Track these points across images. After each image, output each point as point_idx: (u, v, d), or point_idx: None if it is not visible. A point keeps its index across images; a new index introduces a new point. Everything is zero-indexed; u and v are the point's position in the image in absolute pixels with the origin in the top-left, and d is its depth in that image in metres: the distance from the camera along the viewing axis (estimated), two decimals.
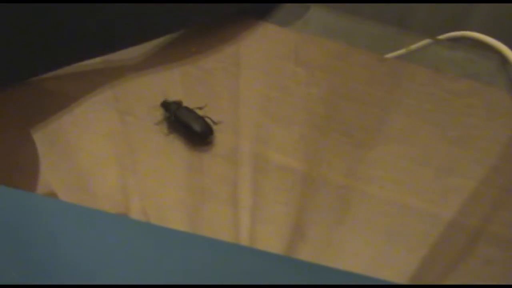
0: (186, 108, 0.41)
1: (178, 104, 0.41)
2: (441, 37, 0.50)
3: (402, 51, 0.48)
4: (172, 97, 0.42)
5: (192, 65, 0.45)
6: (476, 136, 0.43)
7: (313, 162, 0.40)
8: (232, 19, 0.47)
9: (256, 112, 0.43)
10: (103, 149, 0.40)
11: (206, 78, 0.44)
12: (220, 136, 0.41)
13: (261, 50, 0.46)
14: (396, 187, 0.39)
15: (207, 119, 0.41)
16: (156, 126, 0.41)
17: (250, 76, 0.45)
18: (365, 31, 0.50)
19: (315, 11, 0.50)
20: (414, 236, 0.37)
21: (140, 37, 0.44)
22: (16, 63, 0.41)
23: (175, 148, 0.40)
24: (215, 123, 0.41)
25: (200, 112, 0.41)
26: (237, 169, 0.40)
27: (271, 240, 0.37)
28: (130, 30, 0.43)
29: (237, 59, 0.45)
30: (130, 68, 0.44)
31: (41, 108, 0.41)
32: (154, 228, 0.36)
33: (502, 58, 0.47)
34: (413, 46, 0.48)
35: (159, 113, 0.41)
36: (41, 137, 0.40)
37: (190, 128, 0.41)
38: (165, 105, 0.41)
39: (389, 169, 0.40)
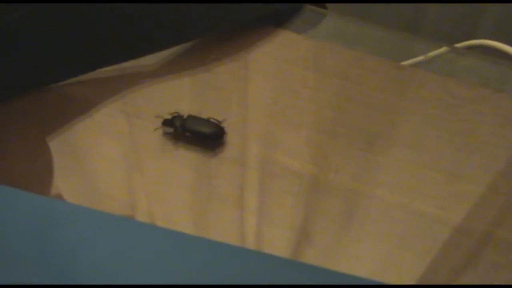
0: (189, 116, 0.42)
1: (180, 116, 0.41)
2: (458, 45, 0.50)
3: (419, 59, 0.48)
4: (181, 103, 0.43)
5: (203, 70, 0.45)
6: (484, 142, 0.42)
7: (320, 165, 0.40)
8: (251, 27, 0.48)
9: (264, 115, 0.43)
10: (112, 150, 0.41)
11: (215, 82, 0.45)
12: (228, 139, 0.41)
13: (270, 54, 0.46)
14: (404, 191, 0.39)
15: (212, 120, 0.42)
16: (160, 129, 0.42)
17: (259, 80, 0.45)
18: (381, 37, 0.50)
19: (331, 18, 0.50)
20: (421, 241, 0.37)
21: (159, 44, 0.45)
22: (38, 69, 0.42)
23: (183, 151, 0.41)
24: (220, 122, 0.42)
25: (204, 116, 0.42)
26: (244, 172, 0.40)
27: (277, 243, 0.37)
28: (150, 38, 0.44)
29: (245, 63, 0.46)
30: (147, 74, 0.45)
31: (59, 112, 0.42)
32: (160, 231, 0.36)
33: None
34: (431, 54, 0.48)
35: (165, 129, 0.42)
36: (56, 141, 0.41)
37: (201, 134, 0.41)
38: (168, 122, 0.41)
39: (397, 174, 0.40)
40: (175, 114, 0.41)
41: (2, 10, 0.41)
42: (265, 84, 0.45)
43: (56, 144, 0.41)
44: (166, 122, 0.41)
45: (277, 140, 0.42)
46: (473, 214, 0.39)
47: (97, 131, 0.41)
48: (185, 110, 0.42)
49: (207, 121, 0.41)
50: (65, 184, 0.39)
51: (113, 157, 0.40)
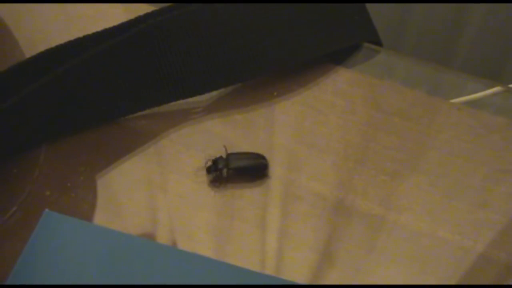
0: (231, 154, 0.42)
1: (221, 158, 0.42)
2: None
3: (472, 97, 0.48)
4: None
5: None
6: (510, 171, 0.42)
7: (346, 190, 0.41)
8: (312, 65, 0.49)
9: (290, 138, 0.44)
10: (135, 168, 0.43)
11: (243, 106, 0.46)
12: None
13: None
14: (428, 218, 0.40)
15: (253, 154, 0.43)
16: (189, 149, 0.43)
17: (286, 104, 0.46)
18: (430, 73, 0.50)
19: (384, 55, 0.51)
20: (444, 268, 0.38)
21: (220, 83, 0.46)
22: (108, 103, 0.45)
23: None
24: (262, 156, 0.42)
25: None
26: (268, 193, 0.41)
27: (298, 265, 0.38)
28: (212, 76, 0.45)
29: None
30: (200, 110, 0.46)
31: (118, 144, 0.45)
32: (180, 254, 0.38)
33: None
34: (485, 93, 0.48)
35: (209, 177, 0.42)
36: (116, 174, 0.43)
37: (251, 168, 0.42)
38: (212, 168, 0.42)
39: (422, 201, 0.41)
40: (217, 157, 0.42)
41: (76, 45, 0.45)
42: (291, 107, 0.46)
43: (113, 175, 0.43)
44: (210, 169, 0.42)
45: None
46: (497, 243, 0.39)
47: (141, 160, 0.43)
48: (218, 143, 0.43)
49: (248, 155, 0.42)
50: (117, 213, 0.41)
51: (133, 172, 0.42)
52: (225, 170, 0.41)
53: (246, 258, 0.38)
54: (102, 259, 0.37)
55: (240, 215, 0.40)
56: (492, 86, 0.48)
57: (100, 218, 0.41)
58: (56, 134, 0.44)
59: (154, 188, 0.42)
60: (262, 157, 0.42)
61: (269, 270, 0.38)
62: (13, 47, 0.49)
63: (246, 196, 0.41)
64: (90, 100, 0.44)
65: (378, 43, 0.51)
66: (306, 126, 0.45)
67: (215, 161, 0.42)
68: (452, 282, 0.37)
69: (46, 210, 0.38)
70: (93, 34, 0.45)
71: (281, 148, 0.44)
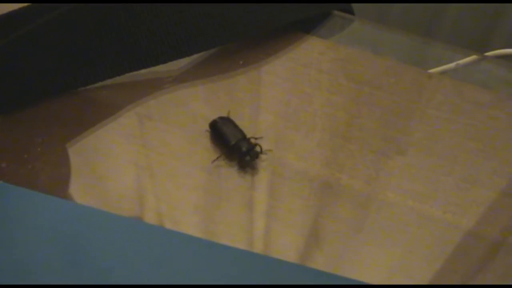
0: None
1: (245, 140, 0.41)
2: (488, 53, 0.49)
3: (448, 66, 0.47)
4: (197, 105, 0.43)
5: (227, 76, 0.46)
6: (498, 147, 0.42)
7: (332, 168, 0.40)
8: (280, 33, 0.48)
9: (276, 117, 0.43)
10: (122, 150, 0.41)
11: (229, 84, 0.45)
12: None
13: (283, 56, 0.47)
14: (416, 196, 0.39)
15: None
16: (176, 130, 0.42)
17: (271, 82, 0.45)
18: (406, 43, 0.50)
19: (359, 25, 0.50)
20: (432, 246, 0.37)
21: (188, 50, 0.45)
22: (66, 73, 0.43)
23: (193, 151, 0.41)
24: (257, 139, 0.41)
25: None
26: (255, 174, 0.40)
27: (286, 246, 0.37)
28: (179, 43, 0.44)
29: (262, 64, 0.46)
30: (169, 79, 0.45)
31: (83, 116, 0.43)
32: (168, 233, 0.37)
33: None
34: (460, 62, 0.48)
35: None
36: (78, 144, 0.42)
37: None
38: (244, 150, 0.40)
39: (409, 179, 0.40)
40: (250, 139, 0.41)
41: (30, 13, 0.43)
42: (278, 87, 0.45)
43: (77, 147, 0.41)
44: (244, 151, 0.40)
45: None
46: (485, 220, 0.38)
47: (116, 134, 0.42)
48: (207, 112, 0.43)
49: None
50: (79, 184, 0.40)
51: (125, 157, 0.41)
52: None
53: (234, 238, 0.37)
54: (59, 232, 0.36)
55: (227, 195, 0.39)
56: (469, 55, 0.48)
57: (59, 190, 0.39)
58: (11, 104, 0.42)
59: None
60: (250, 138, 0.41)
61: (257, 249, 0.37)
62: None
63: (233, 176, 0.40)
64: (46, 68, 0.42)
65: (350, 11, 0.49)
66: (274, 96, 0.45)
67: (240, 144, 0.40)
68: (441, 259, 0.37)
69: (1, 182, 0.38)
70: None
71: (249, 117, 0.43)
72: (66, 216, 0.37)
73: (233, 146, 0.40)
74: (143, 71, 0.44)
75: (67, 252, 0.35)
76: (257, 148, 0.40)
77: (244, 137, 0.41)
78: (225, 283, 0.34)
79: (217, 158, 0.40)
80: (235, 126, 0.41)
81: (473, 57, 0.48)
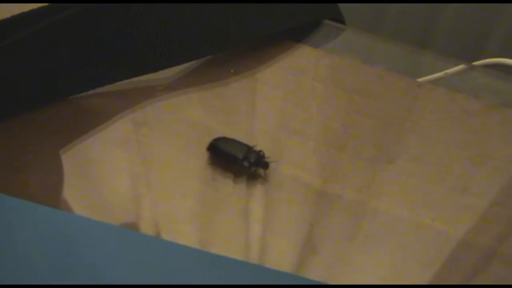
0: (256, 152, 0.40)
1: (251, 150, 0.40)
2: (476, 63, 0.50)
3: (437, 75, 0.48)
4: (192, 112, 0.43)
5: (220, 84, 0.46)
6: (491, 156, 0.42)
7: (326, 177, 0.40)
8: (272, 42, 0.48)
9: (271, 125, 0.43)
10: (115, 158, 0.41)
11: (224, 92, 0.45)
12: None
13: (275, 65, 0.47)
14: (409, 204, 0.39)
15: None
16: (171, 138, 0.42)
17: (267, 90, 0.45)
18: (396, 53, 0.50)
19: (350, 34, 0.50)
20: (425, 254, 0.37)
21: (179, 59, 0.45)
22: (57, 81, 0.42)
23: (188, 159, 0.41)
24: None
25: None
26: (250, 182, 0.40)
27: (281, 253, 0.37)
28: (171, 52, 0.44)
29: (253, 73, 0.46)
30: (163, 87, 0.45)
31: (75, 124, 0.43)
32: (162, 243, 0.36)
33: None
34: (449, 71, 0.48)
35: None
36: (70, 152, 0.41)
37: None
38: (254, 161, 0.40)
39: (403, 187, 0.40)
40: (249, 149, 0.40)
41: (18, 23, 0.43)
42: (271, 95, 0.45)
43: (69, 155, 0.41)
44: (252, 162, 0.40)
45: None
46: (478, 228, 0.38)
47: (109, 142, 0.42)
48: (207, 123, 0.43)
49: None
50: (71, 193, 0.39)
51: (120, 166, 0.41)
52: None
53: (229, 246, 0.37)
54: (51, 242, 0.36)
55: (222, 204, 0.39)
56: (457, 64, 0.48)
57: (50, 199, 0.39)
58: (1, 113, 0.42)
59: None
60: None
61: (253, 258, 0.37)
62: None
63: (228, 185, 0.40)
64: (36, 77, 0.42)
65: (341, 21, 0.50)
66: (267, 105, 0.45)
67: (248, 156, 0.40)
68: (434, 267, 0.37)
69: None
70: (44, 7, 0.44)
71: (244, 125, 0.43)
72: (58, 226, 0.36)
73: (242, 160, 0.40)
74: (134, 79, 0.44)
75: (58, 263, 0.35)
76: (267, 159, 0.40)
77: (249, 149, 0.40)
78: None
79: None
80: (235, 141, 0.41)
81: (462, 66, 0.48)
